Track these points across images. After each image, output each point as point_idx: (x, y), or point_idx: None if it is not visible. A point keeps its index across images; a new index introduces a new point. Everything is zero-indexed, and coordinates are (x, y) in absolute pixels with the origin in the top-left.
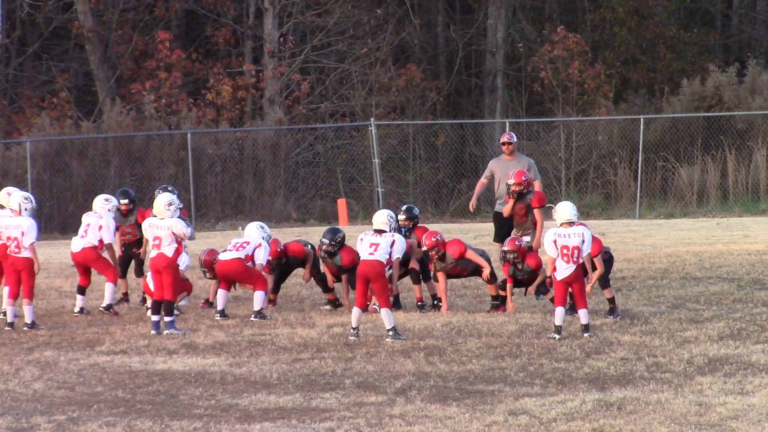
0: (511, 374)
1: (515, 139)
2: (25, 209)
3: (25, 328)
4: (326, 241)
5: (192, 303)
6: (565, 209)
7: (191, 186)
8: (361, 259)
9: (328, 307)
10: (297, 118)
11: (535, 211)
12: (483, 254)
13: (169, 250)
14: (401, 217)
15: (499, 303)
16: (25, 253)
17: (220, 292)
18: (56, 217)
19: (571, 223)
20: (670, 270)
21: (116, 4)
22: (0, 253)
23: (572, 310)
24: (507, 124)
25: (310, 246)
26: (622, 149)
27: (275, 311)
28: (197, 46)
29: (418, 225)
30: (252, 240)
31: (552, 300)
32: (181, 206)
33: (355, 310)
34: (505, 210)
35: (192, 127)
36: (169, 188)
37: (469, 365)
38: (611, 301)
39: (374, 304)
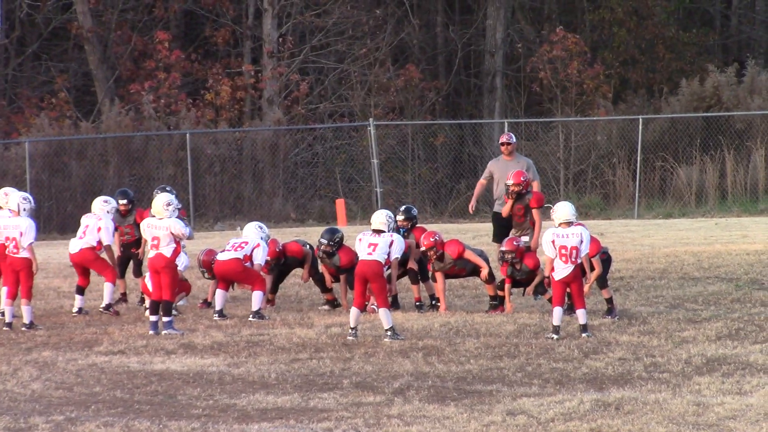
0: (509, 374)
1: (514, 140)
2: (24, 209)
3: (23, 329)
4: (325, 241)
5: (190, 303)
6: (563, 209)
7: (190, 186)
8: (360, 259)
9: (326, 307)
10: (296, 118)
11: (534, 211)
12: (481, 254)
13: (167, 251)
14: (400, 217)
15: (497, 303)
16: (24, 254)
17: (219, 292)
18: (55, 218)
19: (569, 224)
20: (668, 270)
21: (115, 4)
22: None
23: (570, 310)
24: (506, 124)
25: (308, 246)
26: (621, 149)
27: (273, 311)
28: (196, 46)
29: (417, 225)
30: (250, 240)
31: (550, 300)
32: (179, 206)
33: (354, 310)
34: (504, 210)
35: (191, 128)
36: (167, 188)
37: (467, 365)
38: (609, 301)
39: (372, 304)
